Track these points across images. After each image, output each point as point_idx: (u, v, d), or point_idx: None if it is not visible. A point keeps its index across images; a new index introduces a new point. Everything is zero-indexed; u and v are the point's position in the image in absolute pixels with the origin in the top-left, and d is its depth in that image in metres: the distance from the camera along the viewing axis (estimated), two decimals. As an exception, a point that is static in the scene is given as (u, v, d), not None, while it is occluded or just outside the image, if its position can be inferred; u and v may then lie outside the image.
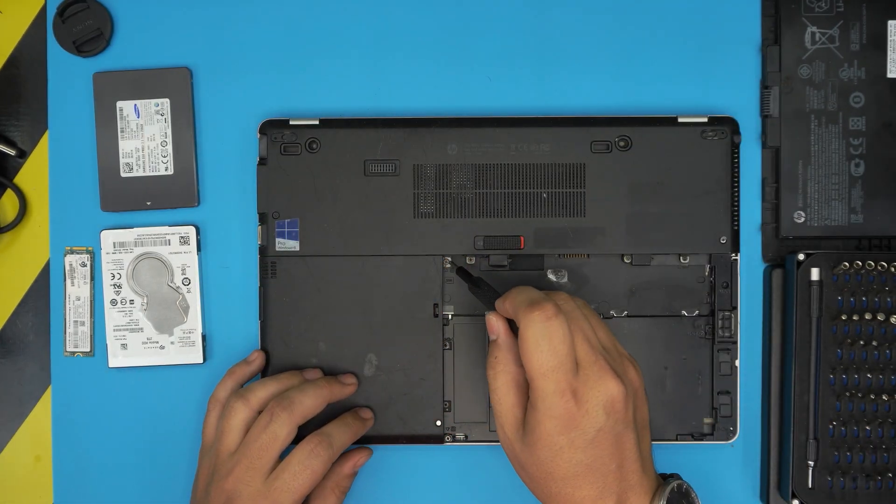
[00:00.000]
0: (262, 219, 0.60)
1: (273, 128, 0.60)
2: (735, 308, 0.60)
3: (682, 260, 0.60)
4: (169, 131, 0.62)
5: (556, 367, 0.48)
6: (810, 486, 0.58)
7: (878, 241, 0.61)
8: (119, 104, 0.61)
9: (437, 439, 0.60)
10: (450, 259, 0.60)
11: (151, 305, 0.62)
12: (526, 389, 0.51)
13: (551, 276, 0.61)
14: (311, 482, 0.54)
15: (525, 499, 0.62)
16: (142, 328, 0.62)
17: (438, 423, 0.60)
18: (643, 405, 0.53)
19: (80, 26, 0.61)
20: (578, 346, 0.49)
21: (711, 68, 0.62)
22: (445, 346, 0.60)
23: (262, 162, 0.60)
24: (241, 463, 0.54)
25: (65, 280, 0.62)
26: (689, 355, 0.60)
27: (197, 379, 0.62)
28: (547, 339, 0.48)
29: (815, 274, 0.59)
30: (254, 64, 0.62)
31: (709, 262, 0.60)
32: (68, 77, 0.62)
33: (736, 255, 0.60)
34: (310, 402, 0.55)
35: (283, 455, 0.55)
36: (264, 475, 0.54)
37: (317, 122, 0.60)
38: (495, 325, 0.52)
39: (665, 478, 0.53)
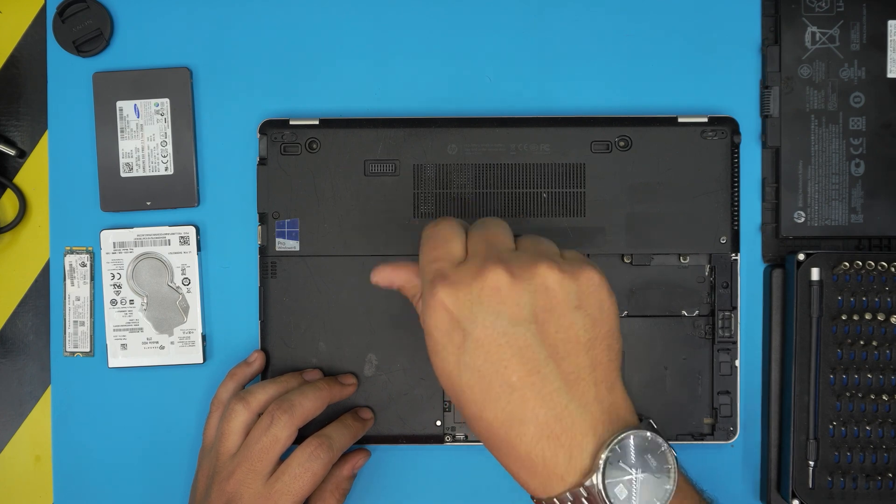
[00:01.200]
0: (262, 219, 0.60)
1: (273, 128, 0.60)
2: (735, 308, 0.60)
3: (682, 260, 0.60)
4: (169, 131, 0.62)
5: (434, 259, 0.43)
6: (810, 486, 0.58)
7: (878, 241, 0.61)
8: (119, 104, 0.61)
9: (437, 439, 0.60)
10: None
11: (151, 305, 0.62)
12: None
13: (551, 276, 0.61)
14: (312, 484, 0.54)
15: (524, 499, 0.62)
16: (142, 328, 0.62)
17: (438, 423, 0.60)
18: (573, 316, 0.42)
19: (80, 26, 0.61)
20: (472, 242, 0.44)
21: (711, 68, 0.62)
22: (445, 346, 0.60)
23: (262, 162, 0.60)
24: (242, 465, 0.54)
25: (65, 280, 0.62)
26: (689, 355, 0.60)
27: (197, 379, 0.62)
28: (429, 238, 0.45)
29: (815, 274, 0.59)
30: (254, 64, 0.62)
31: (709, 262, 0.60)
32: (68, 77, 0.62)
33: (736, 255, 0.60)
34: (310, 403, 0.56)
35: (284, 457, 0.55)
36: (265, 477, 0.54)
37: (317, 122, 0.60)
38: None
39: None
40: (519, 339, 0.41)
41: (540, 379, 0.41)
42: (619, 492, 0.39)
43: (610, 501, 0.40)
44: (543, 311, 0.41)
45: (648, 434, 0.41)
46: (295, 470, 0.54)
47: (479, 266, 0.42)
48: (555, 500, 0.40)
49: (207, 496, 0.54)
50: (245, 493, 0.53)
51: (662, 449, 0.41)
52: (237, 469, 0.54)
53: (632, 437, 0.41)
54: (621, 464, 0.40)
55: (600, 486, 0.39)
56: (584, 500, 0.40)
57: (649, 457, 0.41)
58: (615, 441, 0.40)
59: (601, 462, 0.40)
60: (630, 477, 0.40)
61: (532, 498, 0.42)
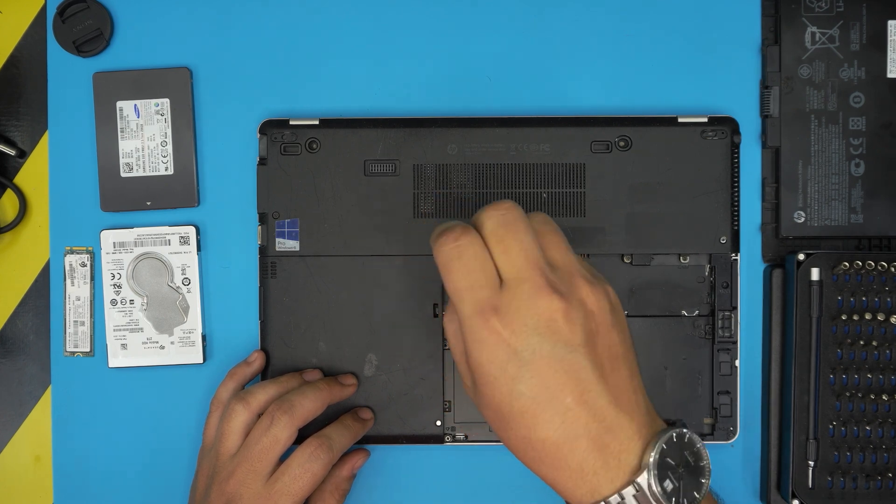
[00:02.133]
0: (262, 219, 0.60)
1: (273, 128, 0.60)
2: (735, 308, 0.60)
3: (682, 260, 0.60)
4: (169, 131, 0.62)
5: (471, 285, 0.43)
6: (810, 486, 0.58)
7: (878, 241, 0.61)
8: (119, 104, 0.61)
9: (437, 439, 0.60)
10: None
11: (151, 305, 0.62)
12: None
13: (551, 276, 0.61)
14: (312, 485, 0.54)
15: (524, 499, 0.62)
16: (142, 328, 0.62)
17: (438, 423, 0.60)
18: (611, 334, 0.44)
19: (80, 26, 0.61)
20: (508, 261, 0.43)
21: (711, 68, 0.62)
22: (445, 346, 0.60)
23: (262, 162, 0.60)
24: (242, 466, 0.54)
25: (65, 280, 0.62)
26: (689, 355, 0.60)
27: (197, 379, 0.62)
28: (456, 259, 0.43)
29: (815, 274, 0.59)
30: (254, 64, 0.62)
31: (709, 262, 0.60)
32: (68, 77, 0.62)
33: (736, 255, 0.60)
34: (310, 404, 0.56)
35: (284, 457, 0.55)
36: (265, 478, 0.54)
37: (317, 122, 0.60)
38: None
39: (670, 425, 0.45)
40: (574, 364, 0.42)
41: (592, 397, 0.43)
42: (667, 485, 0.42)
43: (658, 497, 0.42)
44: (591, 334, 0.43)
45: (686, 433, 0.44)
46: (295, 470, 0.54)
47: (529, 294, 0.42)
48: (602, 503, 0.42)
49: (207, 496, 0.54)
50: (245, 493, 0.53)
51: (697, 446, 0.44)
52: (237, 469, 0.54)
53: (674, 435, 0.43)
54: (668, 459, 0.43)
55: (652, 482, 0.42)
56: (633, 497, 0.42)
57: (687, 454, 0.44)
58: (661, 440, 0.43)
59: (651, 460, 0.42)
60: (675, 473, 0.43)
61: None
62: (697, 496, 0.43)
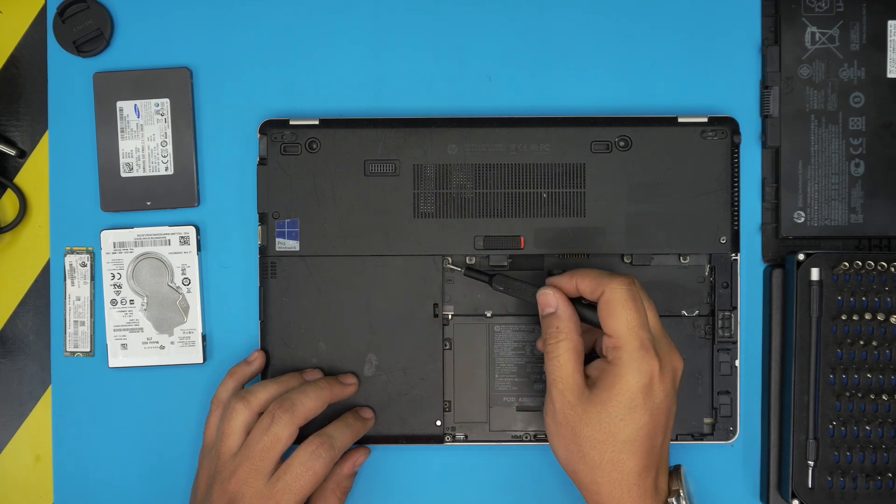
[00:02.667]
0: (262, 219, 0.60)
1: (273, 128, 0.60)
2: (735, 308, 0.60)
3: (682, 260, 0.60)
4: (169, 131, 0.62)
5: (642, 324, 0.52)
6: (810, 486, 0.58)
7: (878, 241, 0.61)
8: (119, 104, 0.62)
9: (437, 439, 0.60)
10: (450, 259, 0.60)
11: (151, 305, 0.62)
12: (583, 356, 0.54)
13: (551, 276, 0.61)
14: (313, 483, 0.54)
15: (524, 499, 0.62)
16: (142, 328, 0.62)
17: (438, 423, 0.60)
18: (674, 396, 0.54)
19: (80, 26, 0.61)
20: (652, 320, 0.53)
21: (711, 68, 0.62)
22: (445, 346, 0.60)
23: (262, 162, 0.60)
24: (244, 465, 0.54)
25: (65, 280, 0.62)
26: (690, 355, 0.60)
27: (197, 379, 0.62)
28: (632, 300, 0.52)
29: (815, 274, 0.59)
30: (254, 64, 0.62)
31: (709, 262, 0.60)
32: (68, 77, 0.62)
33: (736, 255, 0.60)
34: (311, 403, 0.56)
35: (285, 456, 0.55)
36: (266, 476, 0.54)
37: (317, 122, 0.60)
38: (552, 298, 0.54)
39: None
40: (671, 411, 0.53)
41: (665, 439, 0.54)
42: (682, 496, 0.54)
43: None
44: (673, 389, 0.53)
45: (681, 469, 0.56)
46: (297, 469, 0.54)
47: (668, 349, 0.53)
48: None
49: (209, 496, 0.54)
50: (247, 492, 0.53)
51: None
52: (239, 468, 0.54)
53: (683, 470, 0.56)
54: (688, 485, 0.56)
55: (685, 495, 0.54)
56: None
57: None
58: (683, 475, 0.55)
59: (683, 479, 0.55)
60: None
61: None
62: None
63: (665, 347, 0.53)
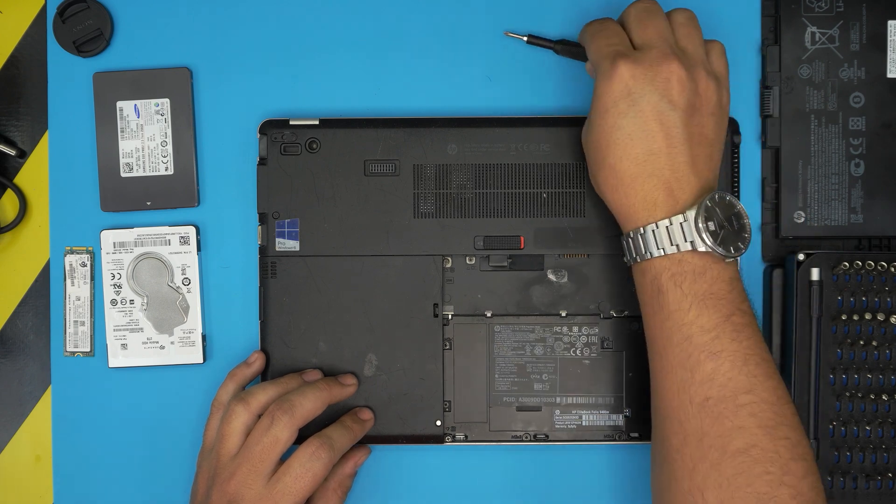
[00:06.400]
0: (262, 219, 0.60)
1: (273, 128, 0.60)
2: (735, 308, 0.60)
3: (682, 260, 0.60)
4: (169, 131, 0.62)
5: (611, 44, 0.53)
6: (810, 486, 0.58)
7: (878, 241, 0.61)
8: (119, 104, 0.62)
9: (437, 439, 0.60)
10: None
11: (151, 305, 0.62)
12: None
13: (551, 276, 0.61)
14: (313, 485, 0.54)
15: (524, 499, 0.62)
16: (142, 328, 0.62)
17: (438, 423, 0.60)
18: (709, 119, 0.53)
19: (80, 26, 0.61)
20: (643, 35, 0.53)
21: (711, 68, 0.62)
22: (445, 346, 0.60)
23: (262, 162, 0.60)
24: (243, 466, 0.54)
25: (65, 280, 0.62)
26: (689, 355, 0.60)
27: (197, 379, 0.62)
28: (600, 30, 0.54)
29: (815, 274, 0.59)
30: (254, 64, 0.62)
31: (709, 262, 0.60)
32: (68, 77, 0.62)
33: (736, 255, 0.60)
34: (310, 404, 0.56)
35: (284, 458, 0.55)
36: (266, 478, 0.54)
37: (317, 122, 0.60)
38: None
39: None
40: (670, 119, 0.52)
41: (675, 152, 0.52)
42: (710, 225, 0.51)
43: (701, 232, 0.51)
44: (692, 108, 0.52)
45: (732, 198, 0.53)
46: (297, 470, 0.54)
47: (656, 56, 0.52)
48: (655, 224, 0.52)
49: (208, 498, 0.54)
50: (246, 494, 0.53)
51: (738, 208, 0.53)
52: (238, 470, 0.54)
53: (725, 197, 0.53)
54: (717, 209, 0.52)
55: (699, 218, 0.51)
56: (679, 225, 0.51)
57: (733, 218, 0.52)
58: (714, 194, 0.52)
59: (701, 204, 0.51)
60: (720, 222, 0.52)
61: (625, 231, 0.54)
62: (742, 246, 0.52)
63: (664, 54, 0.52)
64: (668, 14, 0.55)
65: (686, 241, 0.51)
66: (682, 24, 0.54)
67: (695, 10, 0.62)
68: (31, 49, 0.63)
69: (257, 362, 0.59)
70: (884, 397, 0.58)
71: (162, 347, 0.62)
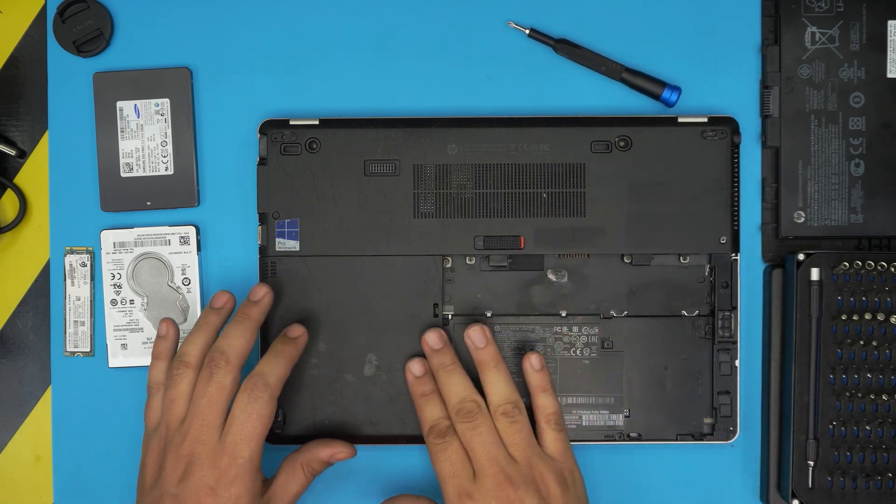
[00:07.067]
0: (262, 219, 0.60)
1: (273, 128, 0.60)
2: (735, 308, 0.60)
3: (682, 260, 0.60)
4: (169, 131, 0.62)
5: (453, 473, 0.55)
6: (810, 486, 0.58)
7: (878, 241, 0.61)
8: (119, 104, 0.62)
9: (437, 439, 0.60)
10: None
11: (151, 305, 0.62)
12: None
13: (551, 276, 0.61)
14: (263, 425, 0.54)
15: (525, 499, 0.62)
16: (142, 328, 0.62)
17: (438, 423, 0.60)
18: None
19: (80, 26, 0.61)
20: (476, 459, 0.55)
21: (711, 68, 0.62)
22: (445, 346, 0.60)
23: (262, 162, 0.60)
24: (194, 424, 0.53)
25: (65, 280, 0.62)
26: (689, 355, 0.60)
27: (197, 379, 0.62)
28: (442, 452, 0.56)
29: (815, 274, 0.59)
30: (254, 64, 0.62)
31: (709, 262, 0.60)
32: (68, 77, 0.62)
33: (736, 255, 0.60)
34: (239, 342, 0.55)
35: None
36: (218, 430, 0.53)
37: (317, 122, 0.60)
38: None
39: None
40: None
41: None
42: None
43: None
44: None
45: None
46: (240, 417, 0.53)
47: (491, 486, 0.54)
48: None
49: (161, 472, 0.54)
50: (201, 451, 0.53)
51: None
52: (190, 429, 0.53)
53: None
54: None
55: None
56: None
57: None
58: None
59: None
60: None
61: None
62: None
63: (497, 479, 0.54)
64: (491, 411, 0.56)
65: None
66: (507, 431, 0.56)
67: (695, 11, 0.62)
68: (31, 49, 0.63)
69: (170, 330, 0.58)
70: (884, 397, 0.58)
71: (162, 347, 0.62)
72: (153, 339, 0.61)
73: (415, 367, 0.59)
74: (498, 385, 0.57)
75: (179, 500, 0.53)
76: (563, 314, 0.61)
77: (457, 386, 0.57)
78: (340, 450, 0.58)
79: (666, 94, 0.60)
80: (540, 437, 0.57)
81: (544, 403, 0.58)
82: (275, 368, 0.55)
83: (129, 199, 0.62)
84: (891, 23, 0.61)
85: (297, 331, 0.58)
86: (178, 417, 0.54)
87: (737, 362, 0.60)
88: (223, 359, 0.54)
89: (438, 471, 0.56)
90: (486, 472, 0.55)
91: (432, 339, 0.58)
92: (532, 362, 0.58)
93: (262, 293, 0.57)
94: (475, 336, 0.58)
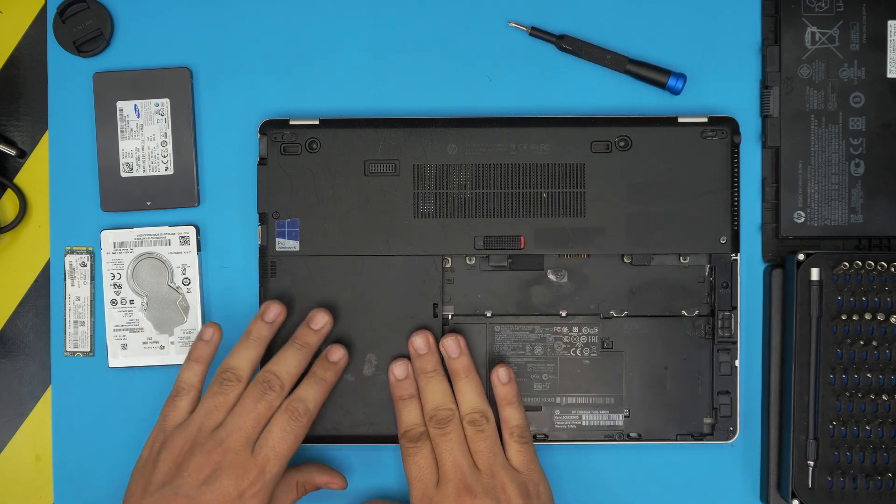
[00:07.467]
0: (262, 219, 0.60)
1: (273, 128, 0.60)
2: (735, 308, 0.60)
3: (682, 260, 0.60)
4: (169, 131, 0.62)
5: (419, 477, 0.57)
6: (810, 486, 0.58)
7: (878, 241, 0.61)
8: (119, 104, 0.62)
9: (437, 439, 0.60)
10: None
11: (151, 305, 0.62)
12: None
13: (551, 276, 0.61)
14: (295, 448, 0.55)
15: (525, 499, 0.62)
16: (142, 328, 0.62)
17: (438, 423, 0.60)
18: None
19: (80, 26, 0.61)
20: (442, 465, 0.57)
21: (711, 68, 0.62)
22: (445, 346, 0.60)
23: (262, 162, 0.60)
24: (234, 434, 0.54)
25: (65, 280, 0.62)
26: (689, 355, 0.60)
27: (197, 379, 0.62)
28: (412, 456, 0.57)
29: (814, 274, 0.59)
30: (254, 64, 0.62)
31: (709, 262, 0.60)
32: (68, 77, 0.62)
33: (736, 255, 0.60)
34: (294, 371, 0.57)
35: None
36: (252, 445, 0.55)
37: (317, 122, 0.60)
38: None
39: None
40: None
41: None
42: None
43: None
44: None
45: None
46: (278, 435, 0.55)
47: (451, 493, 0.56)
48: None
49: (182, 471, 0.54)
50: (234, 460, 0.54)
51: None
52: (228, 438, 0.54)
53: None
54: None
55: None
56: None
57: None
58: None
59: None
60: None
61: None
62: None
63: (458, 486, 0.56)
64: (461, 417, 0.58)
65: None
66: (474, 439, 0.57)
67: (695, 11, 0.62)
68: (31, 49, 0.63)
69: (215, 336, 0.58)
70: (884, 397, 0.58)
71: (162, 347, 0.62)
72: (153, 339, 0.61)
73: (397, 370, 0.59)
74: (468, 395, 0.58)
75: (196, 503, 0.53)
76: (563, 314, 0.61)
77: (435, 393, 0.58)
78: (334, 480, 0.60)
79: (671, 81, 0.60)
80: (505, 450, 0.58)
81: (509, 416, 0.59)
82: (315, 395, 0.57)
83: (129, 199, 0.62)
84: (891, 23, 0.61)
85: (338, 353, 0.59)
86: (215, 424, 0.55)
87: (737, 362, 0.60)
88: (278, 384, 0.56)
89: (407, 473, 0.58)
90: (449, 479, 0.56)
91: (418, 343, 0.59)
92: (500, 375, 0.59)
93: (323, 322, 0.59)
94: (449, 346, 0.59)
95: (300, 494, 0.59)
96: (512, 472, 0.57)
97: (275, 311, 0.58)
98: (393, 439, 0.60)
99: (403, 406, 0.59)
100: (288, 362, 0.57)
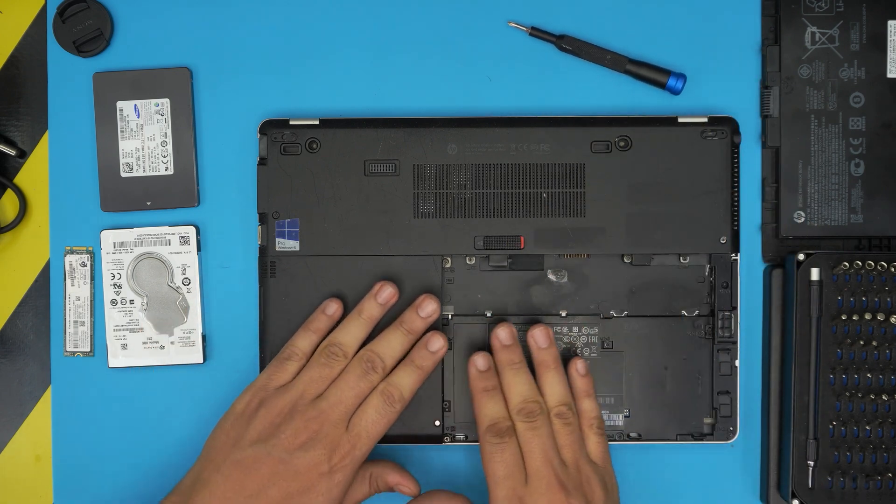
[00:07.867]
0: (262, 219, 0.60)
1: (273, 128, 0.60)
2: (735, 308, 0.60)
3: (682, 260, 0.60)
4: (169, 131, 0.62)
5: (507, 475, 0.55)
6: (810, 486, 0.58)
7: (878, 241, 0.61)
8: (119, 104, 0.62)
9: (437, 439, 0.60)
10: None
11: (151, 305, 0.62)
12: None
13: (551, 276, 0.61)
14: (384, 431, 0.56)
15: (525, 499, 0.62)
16: (142, 328, 0.62)
17: (437, 423, 0.60)
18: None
19: (80, 26, 0.61)
20: (532, 460, 0.55)
21: (711, 68, 0.62)
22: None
23: (262, 162, 0.60)
24: (335, 406, 0.55)
25: (65, 280, 0.62)
26: (689, 355, 0.60)
27: (197, 379, 0.62)
28: (499, 453, 0.56)
29: (814, 274, 0.59)
30: (254, 64, 0.62)
31: (709, 262, 0.60)
32: (68, 77, 0.62)
33: (736, 255, 0.60)
34: (397, 353, 0.57)
35: None
36: (348, 420, 0.55)
37: (317, 122, 0.60)
38: None
39: None
40: None
41: None
42: None
43: None
44: None
45: None
46: (373, 416, 0.55)
47: (544, 490, 0.54)
48: None
49: (279, 432, 0.54)
50: (331, 432, 0.55)
51: None
52: (328, 409, 0.55)
53: None
54: None
55: None
56: None
57: None
58: None
59: None
60: None
61: None
62: None
63: (550, 484, 0.55)
64: (549, 412, 0.57)
65: None
66: (561, 433, 0.56)
67: (695, 11, 0.62)
68: (31, 49, 0.63)
69: (337, 312, 0.59)
70: (884, 397, 0.58)
71: (162, 347, 0.62)
72: (153, 339, 0.61)
73: (479, 362, 0.58)
74: (556, 387, 0.57)
75: (291, 467, 0.54)
76: (563, 314, 0.61)
77: (522, 385, 0.57)
78: (407, 483, 0.59)
79: (671, 81, 0.60)
80: (584, 442, 0.58)
81: (588, 408, 0.58)
82: (411, 383, 0.57)
83: (129, 199, 0.62)
84: (891, 23, 0.61)
85: (438, 343, 0.59)
86: (316, 393, 0.56)
87: (737, 362, 0.60)
88: (381, 365, 0.57)
89: (491, 472, 0.56)
90: (541, 475, 0.55)
91: (503, 334, 0.58)
92: (578, 367, 0.59)
93: (431, 310, 0.59)
94: (539, 337, 0.58)
95: (371, 491, 0.59)
96: (594, 465, 0.57)
97: (388, 293, 0.59)
98: (393, 439, 0.60)
99: (488, 398, 0.57)
100: (392, 346, 0.57)
